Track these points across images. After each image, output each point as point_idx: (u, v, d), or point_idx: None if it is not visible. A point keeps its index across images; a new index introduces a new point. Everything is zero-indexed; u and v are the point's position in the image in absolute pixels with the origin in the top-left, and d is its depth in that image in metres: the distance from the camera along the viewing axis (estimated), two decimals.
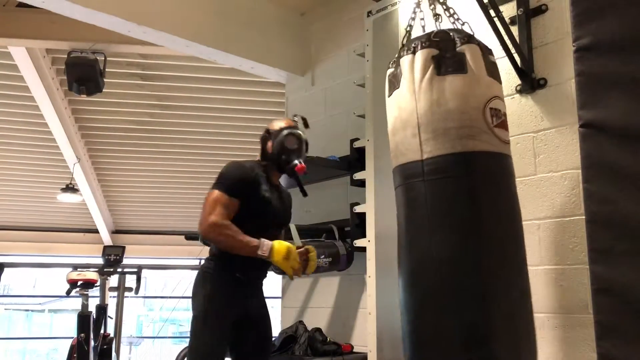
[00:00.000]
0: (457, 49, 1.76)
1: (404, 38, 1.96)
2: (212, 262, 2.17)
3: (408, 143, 1.75)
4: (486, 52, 1.83)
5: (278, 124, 2.30)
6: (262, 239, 2.06)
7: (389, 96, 1.87)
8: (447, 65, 1.74)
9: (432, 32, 1.83)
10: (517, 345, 1.66)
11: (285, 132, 2.24)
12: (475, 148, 1.70)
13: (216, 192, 2.08)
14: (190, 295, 2.17)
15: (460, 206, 1.70)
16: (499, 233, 1.72)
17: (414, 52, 1.78)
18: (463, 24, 1.95)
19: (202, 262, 2.25)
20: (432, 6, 1.97)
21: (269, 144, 2.26)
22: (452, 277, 1.67)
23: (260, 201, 2.16)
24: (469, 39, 1.79)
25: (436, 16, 1.95)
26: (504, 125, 1.78)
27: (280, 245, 2.07)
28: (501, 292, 1.69)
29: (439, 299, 1.67)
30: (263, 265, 2.20)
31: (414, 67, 1.77)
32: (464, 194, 1.71)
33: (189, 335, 2.12)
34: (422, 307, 1.72)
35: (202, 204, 2.09)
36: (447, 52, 1.75)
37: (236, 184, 2.12)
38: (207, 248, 2.33)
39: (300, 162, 2.19)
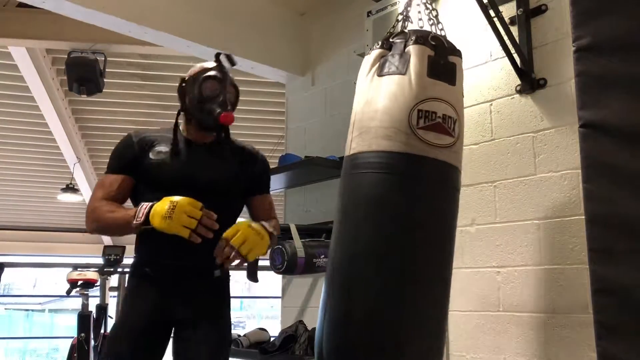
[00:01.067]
0: (405, 50, 1.75)
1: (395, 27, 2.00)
2: (135, 255, 1.84)
3: (346, 139, 1.83)
4: (442, 52, 1.76)
5: (194, 68, 1.87)
6: (142, 203, 1.64)
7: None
8: (390, 65, 1.76)
9: (393, 32, 1.86)
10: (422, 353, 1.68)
11: (202, 76, 1.82)
12: (389, 148, 1.68)
13: (103, 176, 1.79)
14: None
15: (367, 203, 1.70)
16: (412, 235, 1.68)
17: (370, 53, 1.86)
18: (438, 23, 1.92)
19: None
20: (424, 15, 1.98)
21: (184, 91, 1.85)
22: (337, 270, 1.72)
23: (149, 166, 1.78)
24: (421, 40, 1.75)
25: (409, 18, 1.97)
26: (438, 128, 1.68)
27: (162, 202, 1.59)
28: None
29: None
30: (186, 254, 1.70)
31: (366, 64, 1.85)
32: (372, 192, 1.69)
33: None
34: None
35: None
36: (395, 52, 1.78)
37: (117, 157, 1.83)
38: None
39: (225, 111, 1.77)
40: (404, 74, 1.72)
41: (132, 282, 1.83)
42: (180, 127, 1.88)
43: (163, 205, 1.59)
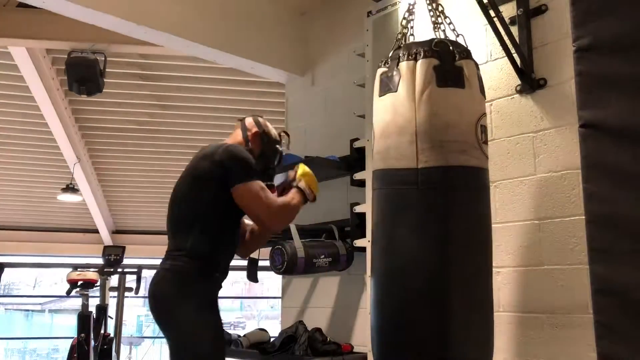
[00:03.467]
0: (456, 63, 1.81)
1: (399, 39, 1.98)
2: (189, 260, 1.87)
3: (403, 149, 1.76)
4: (478, 68, 1.90)
5: (274, 132, 2.18)
6: (295, 188, 2.03)
7: (380, 96, 1.88)
8: (447, 77, 1.79)
9: (433, 40, 1.85)
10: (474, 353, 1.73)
11: (279, 148, 2.17)
12: (466, 163, 1.77)
13: (250, 184, 1.88)
14: (160, 304, 1.86)
15: (450, 217, 1.77)
16: (478, 247, 1.82)
17: (415, 59, 1.80)
18: (458, 35, 2.00)
19: (170, 261, 1.90)
20: (432, 14, 1.99)
21: (258, 144, 2.13)
22: (432, 281, 1.74)
23: None
24: (467, 54, 1.86)
25: (435, 25, 1.98)
26: (487, 142, 1.88)
27: (308, 175, 2.07)
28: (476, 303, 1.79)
29: (416, 301, 1.73)
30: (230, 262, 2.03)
31: (415, 74, 1.79)
32: (455, 206, 1.78)
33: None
34: (399, 308, 1.77)
35: (242, 199, 1.88)
36: (447, 64, 1.80)
37: (254, 166, 1.97)
38: None
39: (273, 185, 2.12)
40: (464, 88, 1.80)
41: (205, 286, 1.89)
42: None
43: (311, 176, 2.05)
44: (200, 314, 1.80)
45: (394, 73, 1.83)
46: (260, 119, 2.17)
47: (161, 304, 1.87)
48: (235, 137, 2.14)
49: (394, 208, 1.80)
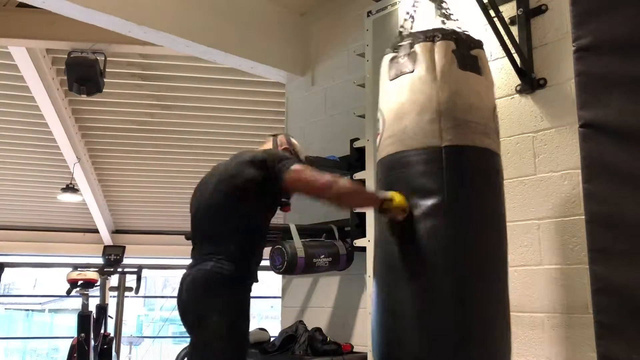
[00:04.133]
0: (472, 52, 1.80)
1: (404, 29, 1.96)
2: (232, 264, 1.84)
3: (423, 128, 1.69)
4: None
5: (302, 152, 2.19)
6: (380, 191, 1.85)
7: (391, 79, 1.81)
8: (466, 62, 1.76)
9: (446, 28, 1.86)
10: (491, 347, 1.66)
11: None
12: (489, 146, 1.74)
13: (298, 167, 1.84)
14: (194, 305, 1.85)
15: (475, 199, 1.71)
16: (500, 231, 1.76)
17: (432, 41, 1.76)
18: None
19: (211, 265, 1.85)
20: (437, 9, 2.00)
21: None
22: (459, 268, 1.64)
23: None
24: (480, 44, 1.86)
25: (445, 16, 1.97)
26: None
27: (399, 196, 1.78)
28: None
29: (435, 290, 1.64)
30: None
31: (433, 54, 1.75)
32: (481, 187, 1.73)
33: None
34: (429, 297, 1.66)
35: (298, 182, 1.84)
36: (464, 50, 1.78)
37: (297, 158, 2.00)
38: None
39: (289, 203, 2.10)
40: (481, 75, 1.78)
41: (240, 292, 1.87)
42: None
43: (402, 199, 1.75)
44: (231, 324, 1.80)
45: (408, 55, 1.78)
46: (292, 139, 2.19)
47: (195, 308, 1.86)
48: (267, 149, 2.13)
49: (413, 191, 1.69)
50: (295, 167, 1.84)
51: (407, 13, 2.00)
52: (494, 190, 1.77)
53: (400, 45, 1.84)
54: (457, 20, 2.00)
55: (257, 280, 1.95)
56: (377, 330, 1.75)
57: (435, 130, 1.68)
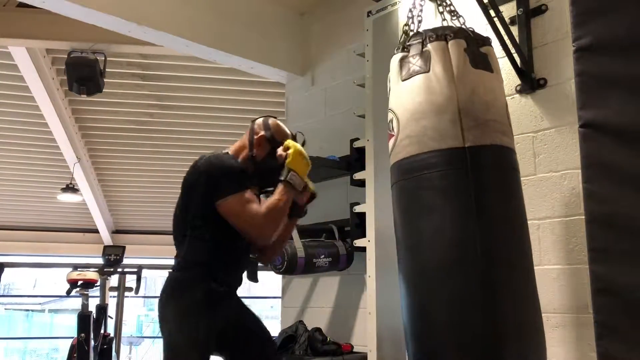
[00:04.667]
0: (481, 49, 1.80)
1: (408, 29, 1.94)
2: (182, 272, 1.91)
3: (444, 128, 1.67)
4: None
5: (284, 133, 2.05)
6: (281, 183, 1.88)
7: (404, 80, 1.77)
8: (478, 60, 1.76)
9: (453, 26, 1.86)
10: (528, 344, 1.64)
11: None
12: (508, 145, 1.75)
13: (230, 199, 1.82)
14: (158, 311, 1.90)
15: (504, 199, 1.70)
16: (525, 228, 1.77)
17: (445, 40, 1.75)
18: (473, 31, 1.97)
19: (171, 272, 1.94)
20: (441, 9, 1.99)
21: (263, 148, 2.00)
22: (497, 268, 1.63)
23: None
24: (489, 42, 1.86)
25: (450, 13, 1.97)
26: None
27: (294, 161, 1.89)
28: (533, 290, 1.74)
29: (474, 291, 1.61)
30: (240, 271, 2.01)
31: (448, 53, 1.73)
32: (507, 186, 1.73)
33: None
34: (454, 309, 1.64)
35: (227, 216, 1.84)
36: (474, 47, 1.77)
37: (238, 177, 1.88)
38: None
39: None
40: (493, 72, 1.79)
41: (196, 293, 1.87)
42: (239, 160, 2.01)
43: (298, 160, 1.90)
44: (181, 322, 1.83)
45: (420, 54, 1.76)
46: (271, 120, 2.05)
47: (159, 306, 1.92)
48: (243, 140, 2.05)
49: (436, 194, 1.66)
50: (226, 201, 1.82)
51: (411, 12, 1.99)
52: (517, 187, 1.77)
53: (410, 45, 1.80)
54: (461, 16, 2.00)
55: (223, 285, 1.90)
56: (411, 341, 1.72)
57: (457, 131, 1.66)
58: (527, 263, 1.73)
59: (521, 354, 1.60)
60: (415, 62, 1.76)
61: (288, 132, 2.06)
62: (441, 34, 1.77)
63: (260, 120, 2.06)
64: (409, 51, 1.80)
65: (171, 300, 1.87)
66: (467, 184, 1.64)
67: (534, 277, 1.74)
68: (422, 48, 1.76)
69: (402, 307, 1.75)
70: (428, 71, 1.72)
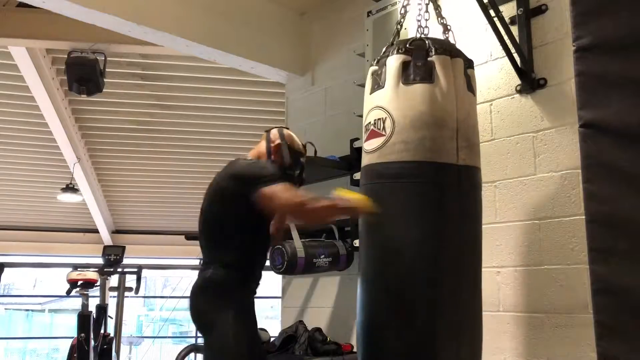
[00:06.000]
0: (467, 71, 1.86)
1: (398, 31, 1.98)
2: (231, 272, 1.92)
3: (443, 143, 1.72)
4: None
5: (298, 143, 2.16)
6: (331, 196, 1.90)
7: (405, 84, 1.77)
8: (470, 83, 1.85)
9: (453, 43, 1.91)
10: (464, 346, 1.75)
11: (302, 160, 2.14)
12: (480, 166, 1.87)
13: (268, 188, 1.82)
14: (197, 313, 1.93)
15: (476, 218, 1.84)
16: (480, 246, 1.89)
17: (450, 56, 1.80)
18: (447, 37, 2.02)
19: (210, 272, 1.93)
20: (439, 19, 2.00)
21: (280, 156, 2.09)
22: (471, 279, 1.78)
23: None
24: (472, 63, 1.92)
25: (444, 27, 1.99)
26: None
27: (347, 192, 1.91)
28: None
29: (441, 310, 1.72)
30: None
31: (451, 70, 1.78)
32: (479, 206, 1.86)
33: None
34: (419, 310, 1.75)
35: (265, 200, 1.84)
36: (467, 70, 1.85)
37: (277, 175, 1.91)
38: None
39: None
40: (474, 95, 1.90)
41: (245, 297, 1.94)
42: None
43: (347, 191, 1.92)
44: (237, 323, 1.85)
45: (424, 63, 1.76)
46: (285, 131, 2.16)
47: (202, 314, 1.93)
48: (259, 148, 2.14)
49: (423, 203, 1.73)
50: (262, 191, 1.83)
51: (404, 8, 1.99)
52: (481, 207, 1.90)
53: (411, 49, 1.80)
54: (451, 31, 2.02)
55: (256, 284, 2.00)
56: (361, 335, 1.83)
57: (453, 148, 1.73)
58: (476, 281, 1.84)
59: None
60: (419, 70, 1.77)
61: (300, 142, 2.18)
62: (447, 50, 1.80)
63: (275, 130, 2.16)
64: (411, 55, 1.80)
65: (217, 300, 1.88)
66: (455, 199, 1.74)
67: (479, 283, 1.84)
68: (427, 57, 1.77)
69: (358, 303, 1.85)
70: (432, 82, 1.75)
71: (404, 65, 1.80)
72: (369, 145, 1.83)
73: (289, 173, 2.07)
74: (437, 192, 1.73)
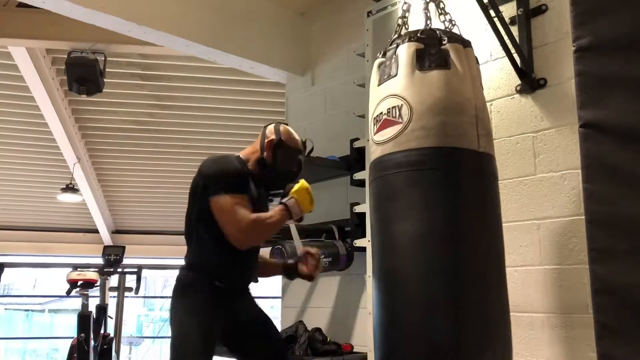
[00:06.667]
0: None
1: (403, 23, 1.96)
2: (189, 271, 1.99)
3: (464, 129, 1.68)
4: None
5: (294, 139, 2.11)
6: (281, 205, 1.95)
7: (421, 70, 1.73)
8: (480, 73, 1.88)
9: (457, 34, 1.88)
10: (490, 351, 1.65)
11: (300, 157, 2.12)
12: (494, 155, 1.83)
13: (222, 198, 1.87)
14: (169, 310, 1.99)
15: (496, 206, 1.79)
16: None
17: (464, 45, 1.79)
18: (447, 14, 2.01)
19: (179, 272, 2.03)
20: (443, 16, 1.99)
21: (276, 152, 2.06)
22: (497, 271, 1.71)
23: (254, 199, 1.97)
24: (477, 58, 1.92)
25: (450, 22, 1.98)
26: None
27: (300, 192, 1.96)
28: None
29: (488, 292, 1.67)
30: (249, 271, 2.07)
31: (468, 59, 1.78)
32: (498, 195, 1.82)
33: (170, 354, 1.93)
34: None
35: (215, 212, 1.89)
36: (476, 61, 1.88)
37: (235, 180, 1.93)
38: None
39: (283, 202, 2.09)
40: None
41: (200, 294, 1.96)
42: (249, 165, 2.08)
43: (304, 194, 1.97)
44: (188, 318, 1.91)
45: (439, 51, 1.74)
46: (282, 126, 2.12)
47: (170, 309, 2.00)
48: (255, 144, 2.13)
49: (448, 190, 1.66)
50: (215, 199, 1.88)
51: (426, 14, 1.96)
52: (499, 196, 1.86)
53: (423, 38, 1.77)
54: (456, 26, 2.00)
55: (227, 283, 1.97)
56: (379, 335, 1.74)
57: (474, 135, 1.69)
58: (500, 268, 1.77)
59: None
60: (433, 57, 1.73)
61: (298, 138, 2.13)
62: (458, 39, 1.80)
63: (271, 126, 2.13)
64: (424, 43, 1.76)
65: (178, 299, 1.96)
66: (478, 186, 1.70)
67: (504, 282, 1.77)
68: (440, 45, 1.75)
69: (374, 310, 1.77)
70: (449, 68, 1.72)
71: (418, 53, 1.75)
72: (381, 136, 1.76)
73: (278, 171, 2.07)
74: (460, 179, 1.68)
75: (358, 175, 2.76)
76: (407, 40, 1.79)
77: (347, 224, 2.88)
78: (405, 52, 1.77)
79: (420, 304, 1.64)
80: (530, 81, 2.26)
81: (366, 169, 2.62)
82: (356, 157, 2.87)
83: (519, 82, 2.30)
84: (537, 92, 2.26)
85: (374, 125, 1.81)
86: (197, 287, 1.94)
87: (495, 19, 2.19)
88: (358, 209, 2.74)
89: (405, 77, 1.74)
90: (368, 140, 2.62)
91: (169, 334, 1.98)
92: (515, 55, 2.25)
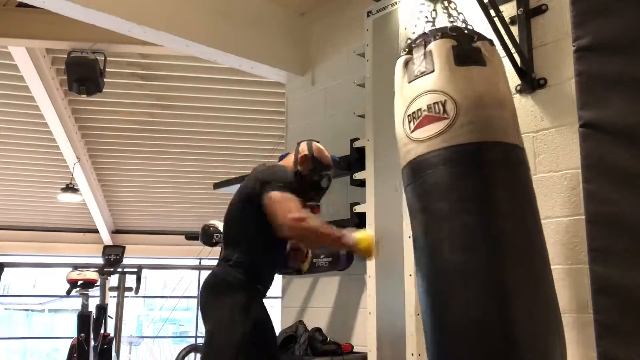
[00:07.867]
0: None
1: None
2: (239, 271, 2.02)
3: (507, 124, 1.70)
4: None
5: (326, 157, 2.24)
6: (344, 230, 2.01)
7: (459, 65, 1.72)
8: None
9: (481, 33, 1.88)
10: (543, 340, 1.63)
11: (328, 173, 2.24)
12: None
13: (279, 194, 1.95)
14: (204, 304, 2.05)
15: (533, 198, 1.77)
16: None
17: (491, 44, 1.82)
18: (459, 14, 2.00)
19: (220, 269, 2.08)
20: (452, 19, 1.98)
21: (306, 166, 2.18)
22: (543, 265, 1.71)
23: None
24: None
25: (464, 23, 1.96)
26: None
27: (364, 239, 2.00)
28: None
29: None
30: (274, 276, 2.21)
31: (497, 56, 1.81)
32: (532, 187, 1.79)
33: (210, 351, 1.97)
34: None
35: (268, 206, 1.95)
36: None
37: (290, 184, 2.03)
38: (207, 248, 2.31)
39: (318, 205, 2.28)
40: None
41: (250, 293, 2.03)
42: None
43: (367, 242, 1.99)
44: (232, 316, 1.94)
45: (472, 48, 1.75)
46: (314, 144, 2.25)
47: (205, 301, 2.06)
48: (289, 158, 2.25)
49: (501, 185, 1.67)
50: (272, 194, 1.96)
51: (447, 10, 1.96)
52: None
53: (454, 35, 1.77)
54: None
55: (265, 287, 2.09)
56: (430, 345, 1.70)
57: (514, 129, 1.73)
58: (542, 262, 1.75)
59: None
60: (468, 53, 1.74)
61: (328, 154, 2.28)
62: (484, 37, 1.82)
63: (305, 143, 2.26)
64: (456, 40, 1.75)
65: (221, 299, 2.00)
66: (525, 180, 1.73)
67: (551, 279, 1.75)
68: (471, 42, 1.77)
69: (422, 311, 1.74)
70: (485, 65, 1.74)
71: (454, 49, 1.74)
72: (423, 132, 1.71)
73: (311, 184, 2.18)
74: (514, 172, 1.71)
75: (358, 175, 2.76)
76: (439, 37, 1.77)
77: (347, 224, 2.88)
78: (440, 47, 1.75)
79: (494, 298, 1.60)
80: (530, 81, 2.26)
81: (368, 169, 2.62)
82: (356, 157, 2.87)
83: (519, 82, 2.30)
84: (537, 92, 2.26)
85: (410, 122, 1.75)
86: (245, 286, 2.00)
87: (496, 19, 2.19)
88: (358, 209, 2.74)
89: (446, 72, 1.71)
90: (368, 140, 2.63)
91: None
92: (515, 55, 2.25)
